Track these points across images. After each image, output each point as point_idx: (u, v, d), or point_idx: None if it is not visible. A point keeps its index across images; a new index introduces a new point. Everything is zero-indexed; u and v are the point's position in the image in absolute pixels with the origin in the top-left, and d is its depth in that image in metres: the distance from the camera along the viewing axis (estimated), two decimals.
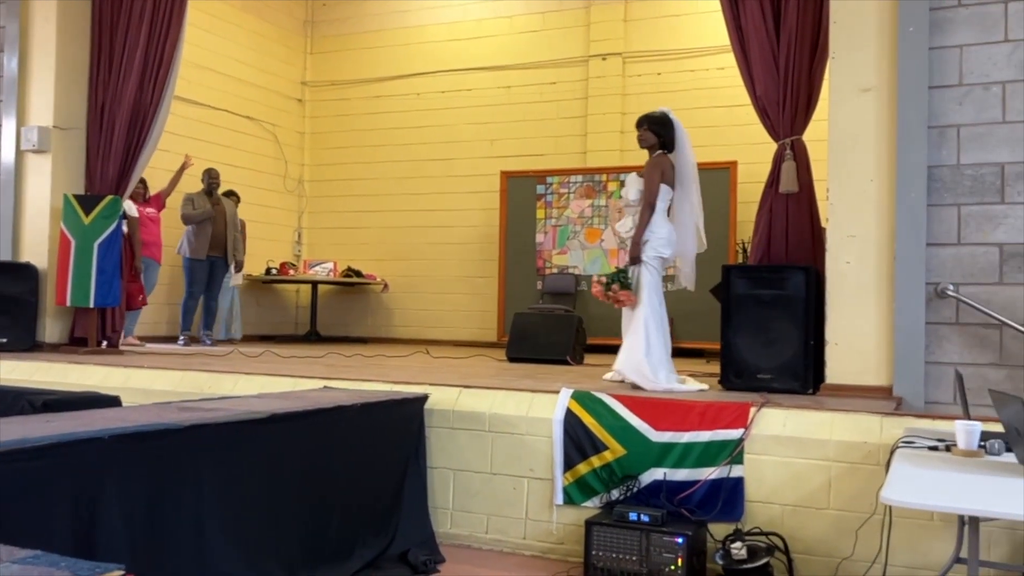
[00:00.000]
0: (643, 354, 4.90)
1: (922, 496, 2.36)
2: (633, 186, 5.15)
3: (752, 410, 3.99)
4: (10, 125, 7.12)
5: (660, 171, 5.10)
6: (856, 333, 4.66)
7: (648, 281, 5.02)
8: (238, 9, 10.47)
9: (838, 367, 4.69)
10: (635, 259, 5.03)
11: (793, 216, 5.18)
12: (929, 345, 4.51)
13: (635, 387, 4.85)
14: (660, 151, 5.20)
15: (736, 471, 3.89)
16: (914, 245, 4.52)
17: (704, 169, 8.80)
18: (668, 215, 5.17)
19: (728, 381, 4.94)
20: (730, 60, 5.64)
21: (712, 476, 3.91)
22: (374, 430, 4.05)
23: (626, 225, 5.18)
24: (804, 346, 4.79)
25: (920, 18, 4.56)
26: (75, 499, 2.42)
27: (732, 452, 3.90)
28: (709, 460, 3.94)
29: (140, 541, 2.57)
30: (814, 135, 5.19)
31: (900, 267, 4.54)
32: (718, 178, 8.78)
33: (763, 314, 4.90)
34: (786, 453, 3.86)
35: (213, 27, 9.97)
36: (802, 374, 4.77)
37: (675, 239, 5.13)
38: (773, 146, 5.28)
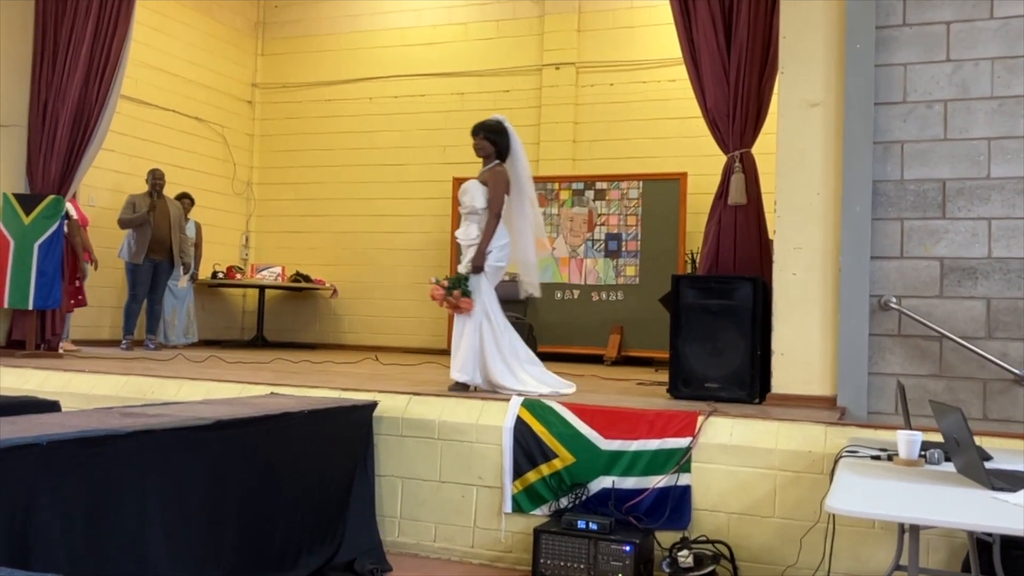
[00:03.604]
0: (492, 359, 4.88)
1: (865, 505, 2.40)
2: (478, 194, 5.04)
3: (700, 419, 4.03)
4: None
5: (505, 181, 5.10)
6: (802, 344, 4.73)
7: (486, 290, 5.00)
8: (188, 8, 10.30)
9: (784, 377, 4.76)
10: (479, 268, 4.96)
11: (742, 228, 5.25)
12: (872, 356, 4.60)
13: (474, 388, 4.89)
14: (496, 161, 5.16)
15: (684, 479, 3.93)
16: (859, 258, 4.61)
17: (654, 180, 9.00)
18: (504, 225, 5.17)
19: (676, 390, 4.98)
20: (682, 72, 5.71)
21: (660, 484, 3.93)
22: (321, 437, 4.00)
23: (470, 233, 5.03)
24: (751, 356, 4.86)
25: (866, 35, 4.66)
26: (11, 506, 2.35)
27: (680, 460, 3.94)
28: (657, 468, 3.97)
29: (78, 550, 2.51)
30: (763, 148, 5.27)
31: (845, 279, 4.62)
32: (668, 189, 8.88)
33: (711, 324, 4.96)
34: (732, 462, 3.90)
35: (162, 26, 9.80)
36: (749, 384, 4.83)
37: (510, 249, 5.14)
38: (723, 158, 5.35)
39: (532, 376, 4.96)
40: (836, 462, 3.05)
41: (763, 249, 5.21)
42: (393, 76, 10.63)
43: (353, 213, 10.76)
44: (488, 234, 4.98)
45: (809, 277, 4.74)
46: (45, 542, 2.40)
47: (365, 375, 6.22)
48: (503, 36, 10.29)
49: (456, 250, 9.59)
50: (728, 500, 3.88)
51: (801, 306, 4.74)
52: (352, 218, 10.75)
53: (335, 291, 10.72)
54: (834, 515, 3.31)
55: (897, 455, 2.90)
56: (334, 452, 4.09)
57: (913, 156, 4.61)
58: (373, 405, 4.43)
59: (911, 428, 3.15)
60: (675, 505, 3.91)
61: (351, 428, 4.26)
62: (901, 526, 2.77)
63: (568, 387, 5.06)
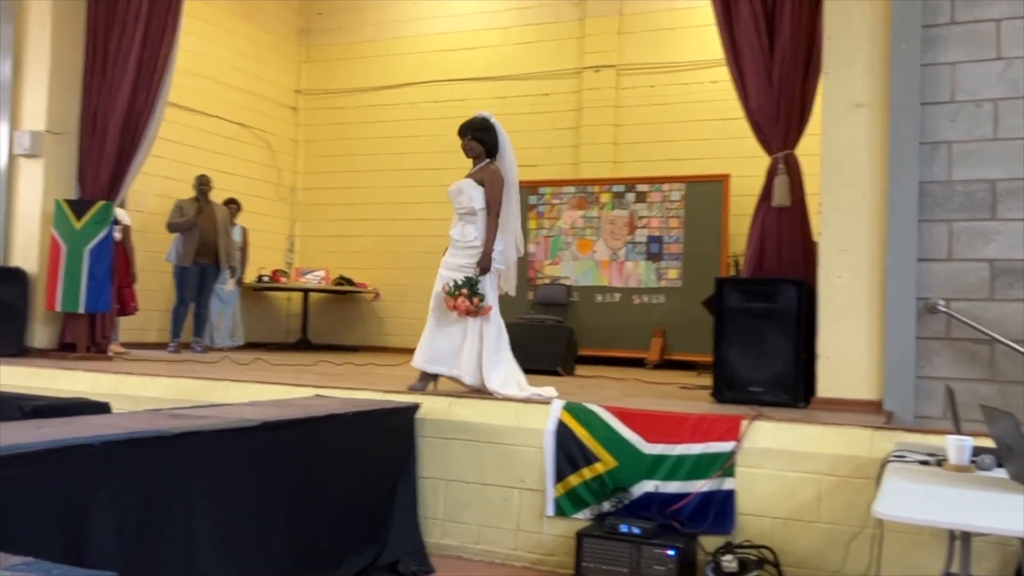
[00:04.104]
0: (492, 364, 4.85)
1: (914, 510, 2.36)
2: (476, 194, 4.96)
3: (744, 423, 4.00)
4: (3, 130, 7.09)
5: (501, 180, 5.01)
6: (847, 347, 4.67)
7: (490, 292, 4.95)
8: (234, 16, 10.47)
9: (829, 381, 4.70)
10: (486, 269, 4.91)
11: (786, 230, 5.20)
12: (919, 360, 4.53)
13: (474, 391, 4.84)
14: (488, 159, 5.10)
15: (727, 484, 3.90)
16: (905, 260, 4.54)
17: (697, 181, 8.94)
18: None
19: (720, 394, 4.94)
20: (724, 74, 5.66)
21: (703, 489, 3.91)
22: (365, 439, 4.04)
23: (467, 234, 4.95)
24: (795, 359, 4.80)
25: (912, 35, 4.60)
26: (66, 506, 2.41)
27: (723, 465, 3.91)
28: (700, 473, 3.94)
29: (131, 548, 2.56)
30: (807, 149, 5.21)
31: (891, 282, 4.56)
32: (711, 191, 8.82)
33: (755, 327, 4.91)
34: (777, 466, 3.87)
35: (208, 34, 9.96)
36: (793, 387, 4.78)
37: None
38: (766, 159, 5.31)
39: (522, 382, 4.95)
40: (883, 467, 3.01)
41: (807, 251, 5.15)
42: (434, 81, 10.70)
43: (394, 217, 10.84)
44: (492, 235, 4.94)
45: (854, 279, 4.68)
46: (99, 540, 2.45)
47: (408, 377, 6.24)
48: (543, 40, 10.31)
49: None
50: (773, 504, 3.84)
51: (846, 309, 4.69)
52: (393, 222, 10.83)
53: (377, 294, 10.80)
54: (882, 521, 3.26)
55: (947, 460, 2.86)
56: (378, 454, 4.12)
57: (961, 156, 4.54)
58: (416, 407, 4.46)
59: (961, 433, 3.10)
60: (719, 510, 3.88)
61: (394, 430, 4.30)
62: (951, 533, 2.73)
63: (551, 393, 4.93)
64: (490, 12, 10.63)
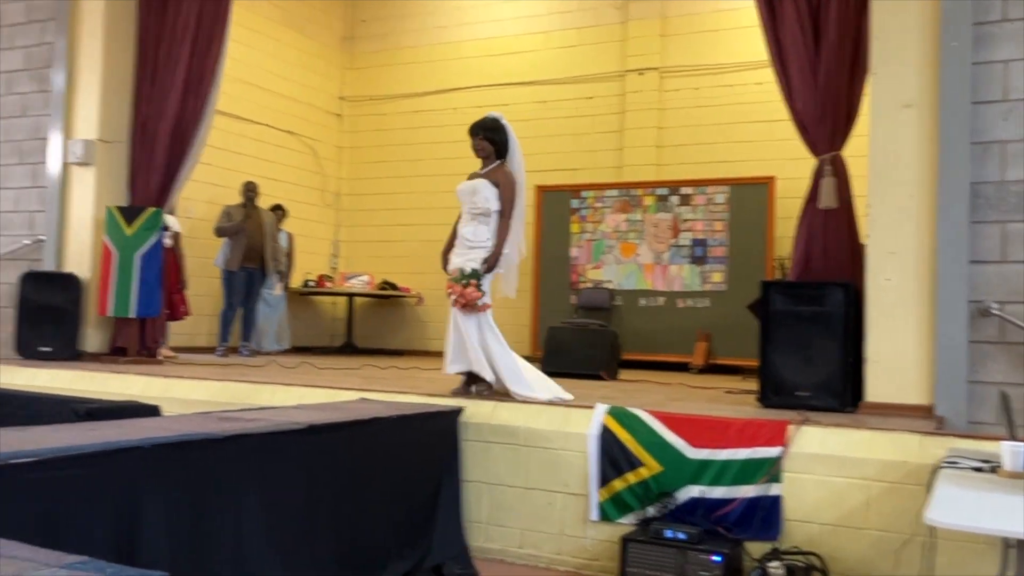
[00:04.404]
0: (507, 364, 4.90)
1: (968, 518, 2.32)
2: (491, 195, 4.96)
3: (790, 428, 3.95)
4: (56, 138, 7.27)
5: (514, 183, 5.02)
6: (896, 351, 4.60)
7: (488, 291, 4.92)
8: (280, 25, 10.62)
9: (877, 385, 4.63)
10: (491, 268, 4.91)
11: (832, 232, 5.13)
12: (972, 364, 4.43)
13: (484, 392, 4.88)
14: (499, 160, 5.10)
15: (774, 489, 3.85)
16: (956, 262, 4.46)
17: (742, 184, 8.86)
18: None
19: (766, 398, 4.89)
20: (769, 75, 5.61)
21: (749, 494, 3.87)
22: (410, 442, 4.06)
23: (480, 234, 4.93)
24: (843, 364, 4.74)
25: (963, 33, 4.51)
26: (118, 506, 2.45)
27: (770, 470, 3.86)
28: (746, 478, 3.90)
29: (181, 548, 2.60)
30: (854, 151, 5.14)
31: (942, 284, 4.47)
32: (756, 193, 8.74)
33: (802, 331, 4.85)
34: (825, 471, 3.81)
35: (255, 43, 10.11)
36: (841, 392, 4.72)
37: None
38: (812, 161, 5.24)
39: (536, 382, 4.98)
40: (934, 473, 2.96)
41: (855, 254, 5.08)
42: (476, 86, 10.74)
43: (437, 222, 10.83)
44: (504, 237, 4.95)
45: (903, 282, 4.61)
46: (150, 541, 2.50)
47: (451, 381, 6.28)
48: (585, 43, 10.30)
49: (538, 258, 9.64)
50: (821, 511, 3.79)
51: (895, 312, 4.61)
52: (436, 227, 10.80)
53: (420, 299, 10.87)
54: (934, 528, 3.20)
55: (1001, 467, 2.80)
56: (422, 457, 4.14)
57: (1015, 156, 4.44)
58: (459, 411, 4.47)
59: (1016, 439, 3.03)
60: (765, 515, 3.83)
61: (438, 434, 4.32)
62: (1006, 541, 2.66)
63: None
64: (532, 16, 10.65)
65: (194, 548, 2.67)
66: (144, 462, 2.57)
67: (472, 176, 5.17)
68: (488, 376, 4.88)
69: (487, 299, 4.89)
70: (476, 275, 4.84)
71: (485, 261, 4.89)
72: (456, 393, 4.90)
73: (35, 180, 7.53)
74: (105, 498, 2.42)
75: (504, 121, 5.15)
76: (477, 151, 5.13)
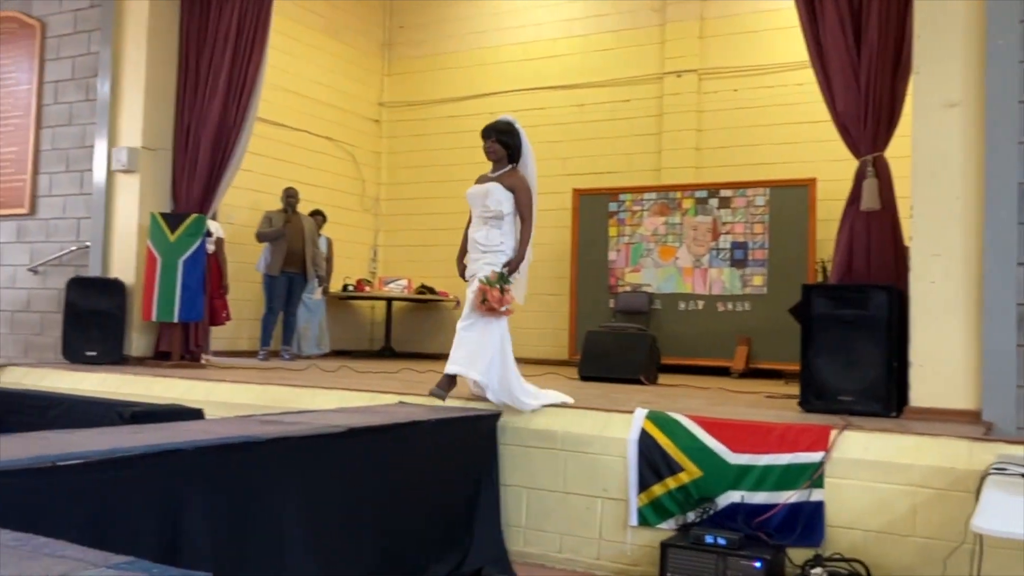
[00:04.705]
0: (514, 375, 4.72)
1: (1017, 525, 2.27)
2: (504, 199, 4.82)
3: (833, 433, 3.90)
4: (102, 146, 7.41)
5: (528, 188, 4.91)
6: (942, 355, 4.51)
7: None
8: (319, 33, 10.72)
9: (923, 390, 4.55)
10: (514, 270, 4.80)
11: (875, 234, 5.06)
12: (1021, 368, 4.34)
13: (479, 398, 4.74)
14: (511, 165, 4.97)
15: (816, 495, 3.80)
16: (1003, 264, 4.36)
17: (782, 186, 8.77)
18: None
19: (808, 403, 4.83)
20: (809, 76, 5.56)
21: (791, 500, 3.82)
22: (448, 446, 4.07)
23: (492, 239, 4.81)
24: (887, 368, 4.66)
25: (1010, 30, 4.42)
26: (161, 507, 2.49)
27: (812, 475, 3.81)
28: (788, 483, 3.85)
29: (223, 549, 2.63)
30: (897, 151, 5.07)
31: (988, 287, 4.38)
32: (797, 195, 8.64)
33: (844, 335, 4.78)
34: (869, 478, 3.75)
35: (294, 50, 10.22)
36: (885, 396, 4.64)
37: None
38: (854, 163, 5.18)
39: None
40: (983, 480, 2.90)
41: (899, 256, 5.00)
42: (514, 90, 10.75)
43: None
44: (526, 242, 4.86)
45: (948, 285, 4.52)
46: (193, 542, 2.53)
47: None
48: (623, 46, 10.27)
49: (576, 262, 9.62)
50: (865, 517, 3.73)
51: (940, 315, 4.53)
52: None
53: (458, 302, 10.88)
54: (982, 536, 3.14)
55: None
56: (460, 461, 4.15)
57: None
58: (497, 415, 4.48)
59: None
60: (807, 521, 3.78)
61: (477, 437, 4.32)
62: None
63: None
64: (570, 20, 10.65)
65: (236, 549, 2.70)
66: (188, 464, 2.60)
67: (482, 180, 5.04)
68: (483, 381, 4.65)
69: (509, 305, 4.79)
70: (501, 279, 4.73)
71: (506, 265, 4.80)
72: (437, 394, 4.73)
73: (82, 187, 7.69)
74: (150, 499, 2.46)
75: (518, 125, 5.04)
76: (489, 154, 5.01)
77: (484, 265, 4.81)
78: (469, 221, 5.10)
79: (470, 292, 4.84)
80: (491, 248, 4.84)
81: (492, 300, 4.67)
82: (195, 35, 7.40)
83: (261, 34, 7.29)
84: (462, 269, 5.11)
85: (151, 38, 7.34)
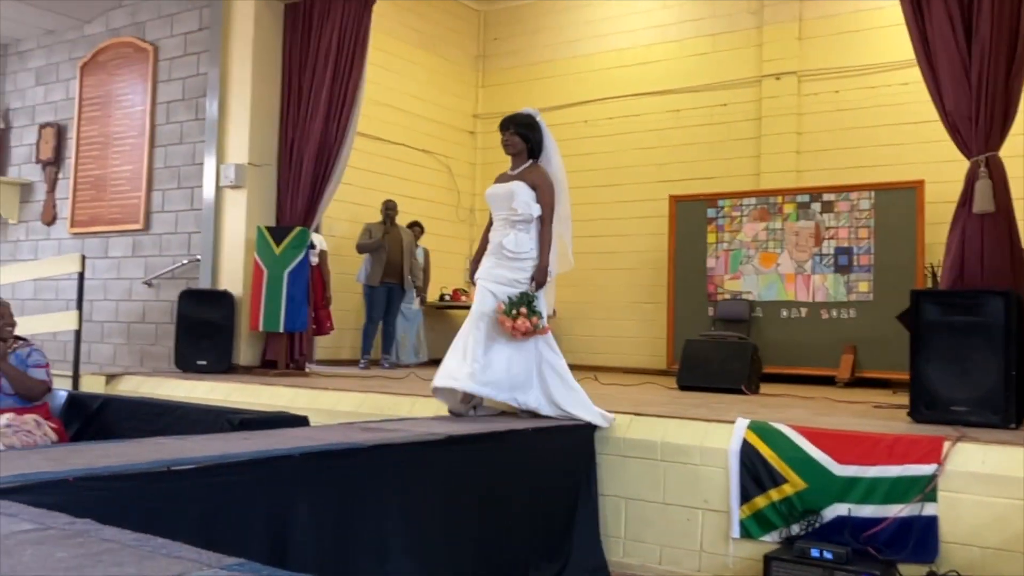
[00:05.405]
0: (560, 388, 4.43)
1: None
2: (530, 199, 4.48)
3: (946, 444, 3.74)
4: (211, 163, 7.71)
5: (551, 185, 4.53)
6: None
7: (544, 310, 4.46)
8: (416, 48, 10.92)
9: None
10: (541, 284, 4.46)
11: (989, 238, 4.84)
12: None
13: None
14: (531, 160, 4.65)
15: (929, 509, 3.65)
16: None
17: (888, 189, 8.48)
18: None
19: (918, 413, 4.64)
20: (915, 75, 5.37)
21: (902, 514, 3.68)
22: (546, 455, 4.08)
23: (523, 244, 4.43)
24: (1004, 377, 4.44)
25: None
26: (268, 511, 2.57)
27: (924, 489, 3.66)
28: (898, 496, 3.71)
29: (327, 552, 2.70)
30: (1012, 150, 4.85)
31: None
32: (904, 198, 8.33)
33: (957, 342, 4.58)
34: (986, 492, 3.58)
35: (391, 65, 10.42)
36: (1002, 407, 4.42)
37: None
38: (964, 164, 4.97)
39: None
40: None
41: (1015, 260, 4.78)
42: (608, 98, 10.71)
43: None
44: (548, 246, 4.48)
45: None
46: (298, 545, 2.60)
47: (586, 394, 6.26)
48: (719, 50, 10.11)
49: (673, 269, 9.50)
50: (982, 533, 3.56)
51: None
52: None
53: (553, 311, 10.89)
54: None
55: None
56: (558, 470, 4.15)
57: None
58: (595, 425, 4.45)
59: None
60: (920, 536, 3.64)
61: (574, 447, 4.31)
62: None
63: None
64: (664, 26, 10.56)
65: (339, 552, 2.77)
66: (293, 470, 2.68)
67: (502, 178, 4.72)
68: (525, 402, 4.41)
69: (544, 320, 4.44)
70: (525, 300, 4.36)
71: (532, 279, 4.46)
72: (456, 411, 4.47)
73: (192, 203, 8.02)
74: (257, 503, 2.54)
75: (540, 119, 4.72)
76: (507, 147, 4.69)
77: (510, 272, 4.45)
78: (489, 224, 4.76)
79: (484, 302, 4.49)
80: (522, 255, 4.47)
81: (519, 329, 4.30)
82: (297, 54, 7.64)
83: (360, 51, 7.46)
84: (473, 271, 4.73)
85: (256, 58, 7.60)
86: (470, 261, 4.87)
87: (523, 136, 4.66)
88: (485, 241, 4.73)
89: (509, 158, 4.76)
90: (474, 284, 4.64)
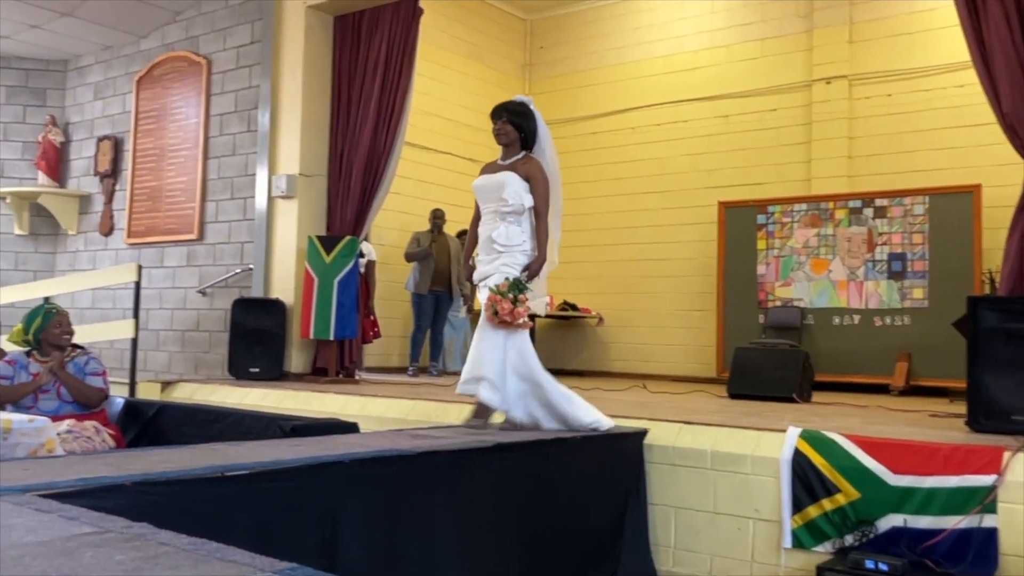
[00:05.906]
0: (558, 392, 4.30)
1: None
2: (523, 189, 4.29)
3: (1006, 455, 3.64)
4: (263, 174, 7.84)
5: (547, 178, 4.34)
6: None
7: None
8: (463, 57, 10.99)
9: None
10: (534, 275, 4.26)
11: None
12: None
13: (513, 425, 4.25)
14: (524, 151, 4.45)
15: (988, 520, 3.56)
16: None
17: (943, 194, 8.31)
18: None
19: (976, 423, 4.53)
20: (970, 77, 5.27)
21: (960, 525, 3.59)
22: (595, 463, 4.06)
23: (513, 237, 4.23)
24: None
25: None
26: (320, 516, 2.60)
27: (983, 500, 3.58)
28: (956, 508, 3.63)
29: (376, 558, 2.72)
30: None
31: None
32: (959, 203, 8.16)
33: (1017, 350, 4.46)
34: None
35: (438, 75, 10.50)
36: None
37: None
38: (1022, 167, 4.85)
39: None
40: None
41: None
42: (656, 104, 10.67)
43: (618, 242, 10.87)
44: (546, 238, 4.30)
45: None
46: (349, 550, 2.63)
47: (634, 403, 6.24)
48: (768, 55, 10.01)
49: (723, 276, 9.41)
50: None
51: None
52: (617, 247, 10.87)
53: (601, 319, 10.86)
54: None
55: None
56: (607, 478, 4.13)
57: None
58: (643, 433, 4.43)
59: None
60: (979, 549, 3.55)
61: (622, 455, 4.29)
62: None
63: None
64: (712, 31, 10.49)
65: (389, 559, 2.79)
66: (344, 476, 2.71)
67: (490, 168, 4.52)
68: (496, 401, 4.24)
69: (524, 317, 4.21)
70: (515, 285, 4.14)
71: (526, 269, 4.26)
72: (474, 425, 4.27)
73: (245, 213, 8.16)
74: (309, 508, 2.57)
75: (533, 107, 4.54)
76: (498, 136, 4.48)
77: (501, 267, 4.25)
78: (476, 217, 4.56)
79: (482, 298, 4.32)
80: (512, 247, 4.26)
81: (503, 313, 4.11)
82: (347, 66, 7.74)
83: (408, 62, 7.53)
84: (470, 271, 4.55)
85: (306, 70, 7.72)
86: (463, 260, 4.73)
87: (516, 125, 4.48)
88: (474, 236, 4.56)
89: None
90: (475, 285, 4.49)
